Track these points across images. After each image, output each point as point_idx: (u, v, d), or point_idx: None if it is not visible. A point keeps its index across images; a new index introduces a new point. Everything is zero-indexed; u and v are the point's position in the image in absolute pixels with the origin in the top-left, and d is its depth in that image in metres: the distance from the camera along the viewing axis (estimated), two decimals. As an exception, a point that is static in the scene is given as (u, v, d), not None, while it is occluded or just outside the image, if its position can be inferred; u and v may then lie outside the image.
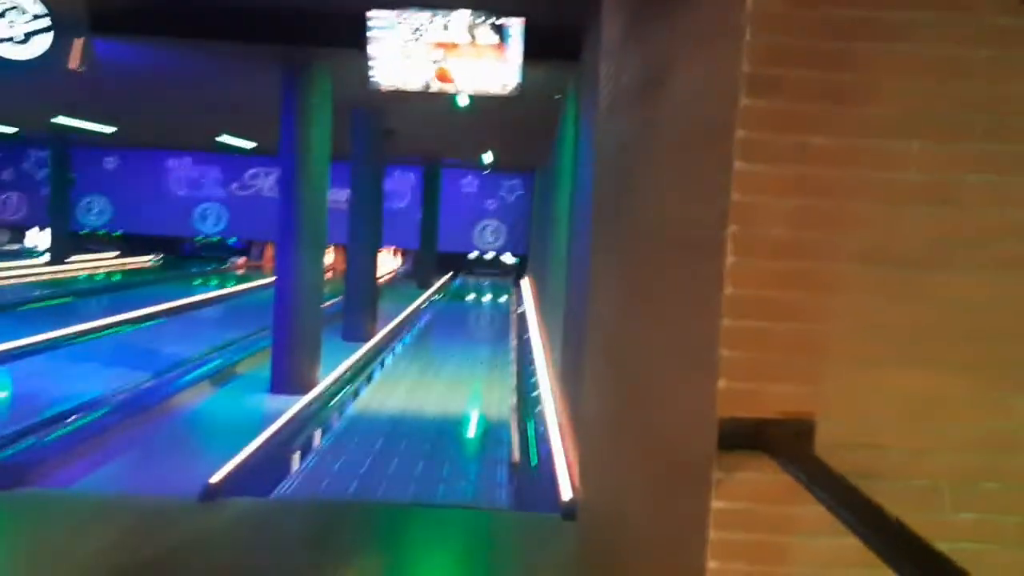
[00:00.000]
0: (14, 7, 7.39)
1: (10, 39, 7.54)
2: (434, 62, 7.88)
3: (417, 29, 7.75)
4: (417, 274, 24.32)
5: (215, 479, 5.26)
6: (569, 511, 4.91)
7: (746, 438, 1.83)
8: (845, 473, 1.85)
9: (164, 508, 4.63)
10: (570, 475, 5.72)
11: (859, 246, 1.85)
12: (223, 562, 3.92)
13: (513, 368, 12.29)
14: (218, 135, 21.13)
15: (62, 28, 7.40)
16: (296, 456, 6.72)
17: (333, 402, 9.10)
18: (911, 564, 1.14)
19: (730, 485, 1.86)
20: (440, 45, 7.82)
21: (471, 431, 9.10)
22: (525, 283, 23.24)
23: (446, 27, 7.77)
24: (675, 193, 2.46)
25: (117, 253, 27.33)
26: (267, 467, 6.33)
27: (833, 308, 1.87)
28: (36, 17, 7.40)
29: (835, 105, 1.83)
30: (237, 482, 5.42)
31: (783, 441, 1.79)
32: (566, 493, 5.43)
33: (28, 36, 7.43)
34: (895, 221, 1.85)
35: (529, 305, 18.23)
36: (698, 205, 2.13)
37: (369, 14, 7.75)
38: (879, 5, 1.84)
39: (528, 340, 14.13)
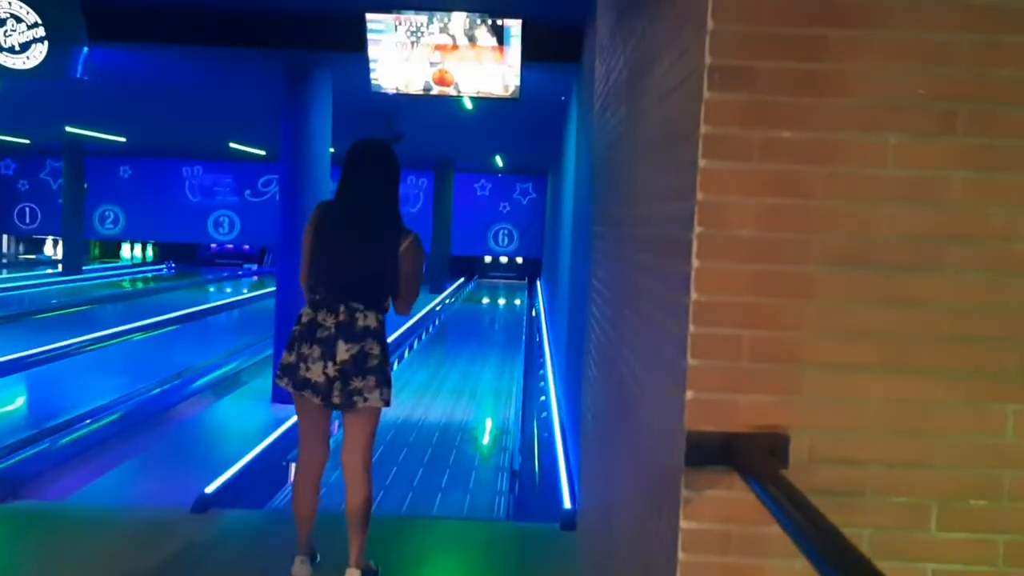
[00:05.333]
0: (10, 16, 7.37)
1: (10, 49, 7.53)
2: (433, 64, 7.80)
3: (415, 31, 7.68)
4: (430, 278, 24.26)
5: (209, 490, 5.19)
6: (569, 521, 4.80)
7: (715, 453, 1.72)
8: (824, 489, 1.74)
9: (156, 520, 4.56)
10: (570, 484, 5.61)
11: (834, 247, 1.74)
12: (215, 574, 3.85)
13: (521, 373, 12.19)
14: (228, 143, 21.19)
15: (58, 37, 7.38)
16: (292, 467, 6.63)
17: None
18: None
19: (699, 504, 1.75)
20: (439, 47, 7.74)
21: (474, 438, 8.99)
22: (539, 286, 23.14)
23: (444, 29, 7.68)
24: (650, 193, 2.36)
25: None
26: (263, 478, 6.26)
27: (808, 313, 1.75)
28: (31, 27, 7.39)
29: (806, 97, 1.72)
30: (232, 493, 5.35)
31: (753, 457, 1.67)
32: (566, 502, 5.31)
33: (25, 46, 7.42)
34: (872, 220, 1.73)
35: (541, 309, 18.14)
36: (668, 206, 2.02)
37: (367, 17, 7.68)
38: (852, -12, 1.72)
39: (539, 344, 14.04)
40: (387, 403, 3.44)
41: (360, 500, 3.49)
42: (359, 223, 3.43)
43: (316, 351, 3.36)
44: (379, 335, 3.42)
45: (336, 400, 3.38)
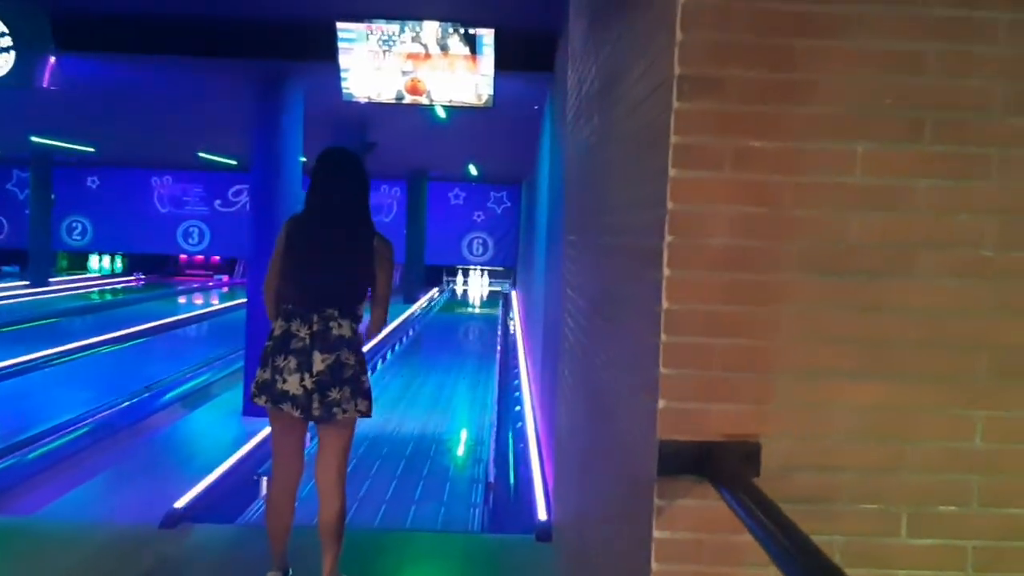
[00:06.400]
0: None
1: (-25, 58, 7.43)
2: (405, 73, 7.78)
3: (387, 40, 7.66)
4: (403, 288, 24.16)
5: (179, 505, 5.10)
6: (544, 532, 4.78)
7: (688, 462, 1.72)
8: (797, 497, 1.74)
9: (125, 536, 4.48)
10: (546, 494, 5.59)
11: (805, 255, 1.74)
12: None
13: (496, 383, 12.15)
14: (198, 153, 21.00)
15: (25, 46, 7.29)
16: (265, 481, 6.56)
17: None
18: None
19: (672, 513, 1.74)
20: (411, 56, 7.73)
21: (448, 450, 8.94)
22: (514, 296, 23.12)
23: (416, 38, 7.67)
24: (622, 202, 2.36)
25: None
26: (234, 492, 6.17)
27: (779, 321, 1.75)
28: (-2, 36, 7.29)
29: (775, 106, 1.73)
30: (202, 508, 5.27)
31: (725, 465, 1.67)
32: (541, 513, 5.29)
33: (-9, 56, 7.32)
34: (842, 227, 1.74)
35: (516, 318, 18.12)
36: (640, 215, 2.02)
37: (338, 25, 7.65)
38: (820, -2, 1.73)
39: (513, 354, 14.01)
40: (363, 413, 3.42)
41: (333, 513, 3.45)
42: (331, 231, 3.44)
43: (292, 362, 3.33)
44: (354, 344, 3.40)
45: (316, 412, 3.35)
